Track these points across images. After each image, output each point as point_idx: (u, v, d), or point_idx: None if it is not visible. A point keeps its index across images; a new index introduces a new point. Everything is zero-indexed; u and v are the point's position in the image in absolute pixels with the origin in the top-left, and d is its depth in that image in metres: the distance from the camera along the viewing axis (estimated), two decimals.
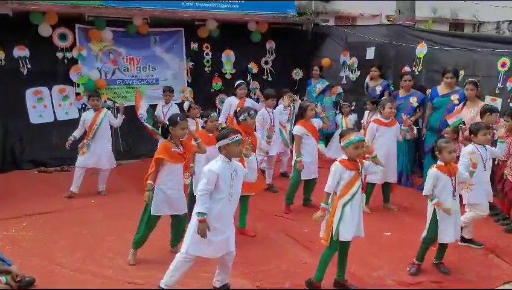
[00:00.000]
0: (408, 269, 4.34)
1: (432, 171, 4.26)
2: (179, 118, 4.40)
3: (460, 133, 6.18)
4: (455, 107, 6.41)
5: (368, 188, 5.98)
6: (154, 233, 4.56)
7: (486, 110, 5.56)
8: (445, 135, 5.77)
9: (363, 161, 4.04)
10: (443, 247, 4.38)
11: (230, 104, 7.43)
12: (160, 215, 4.48)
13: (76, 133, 6.51)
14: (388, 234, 5.35)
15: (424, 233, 4.36)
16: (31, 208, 5.94)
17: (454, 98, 6.51)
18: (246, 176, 3.93)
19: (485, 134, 4.81)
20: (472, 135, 4.92)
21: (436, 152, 4.31)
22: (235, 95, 7.49)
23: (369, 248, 4.92)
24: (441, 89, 6.73)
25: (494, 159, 5.63)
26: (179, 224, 4.58)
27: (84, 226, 5.45)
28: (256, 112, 5.46)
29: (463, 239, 4.94)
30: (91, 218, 5.65)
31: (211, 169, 3.63)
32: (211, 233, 3.60)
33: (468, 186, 4.71)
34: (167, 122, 4.47)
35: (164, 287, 3.73)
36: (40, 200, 6.30)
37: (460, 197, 4.61)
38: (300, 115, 6.01)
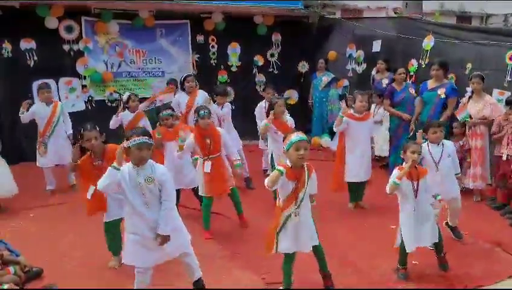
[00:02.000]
0: (396, 275, 4.18)
1: (394, 173, 4.07)
2: (82, 129, 4.07)
3: (467, 127, 6.17)
4: (461, 102, 6.39)
5: (349, 186, 5.87)
6: None
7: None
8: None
9: (312, 168, 3.64)
10: (437, 245, 4.25)
11: (178, 102, 6.81)
12: (119, 221, 4.18)
13: (24, 120, 6.18)
14: (393, 227, 5.34)
15: (398, 241, 4.15)
16: (38, 200, 6.00)
17: (441, 91, 6.38)
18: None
19: (435, 132, 4.61)
20: (424, 133, 4.73)
21: (402, 152, 4.12)
22: (184, 90, 6.87)
23: (373, 241, 4.94)
24: (430, 83, 6.58)
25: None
26: None
27: (91, 218, 5.48)
28: (209, 110, 5.01)
29: (447, 225, 4.94)
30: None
31: (113, 172, 3.34)
32: (141, 243, 3.42)
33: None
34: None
35: None
36: (46, 193, 6.35)
37: None
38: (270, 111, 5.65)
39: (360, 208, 5.94)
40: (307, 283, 4.03)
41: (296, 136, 3.50)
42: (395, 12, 9.77)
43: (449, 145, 4.74)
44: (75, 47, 8.02)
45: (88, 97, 8.19)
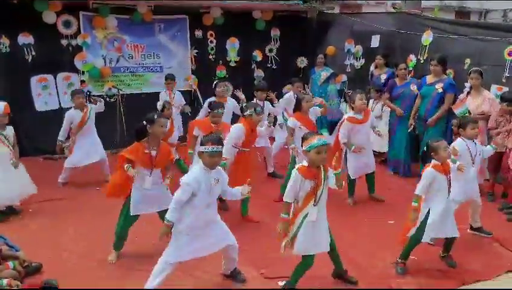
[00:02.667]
0: (395, 269, 4.22)
1: (428, 171, 4.11)
2: (155, 116, 4.19)
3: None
4: (459, 97, 6.41)
5: (349, 182, 5.91)
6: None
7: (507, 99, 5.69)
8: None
9: (328, 167, 3.73)
10: (449, 241, 4.31)
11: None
12: (138, 215, 4.36)
13: (62, 136, 6.45)
14: (392, 222, 5.37)
15: (412, 231, 4.16)
16: (37, 195, 5.98)
17: (439, 86, 6.44)
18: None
19: (474, 128, 4.67)
20: (460, 129, 4.80)
21: (432, 153, 4.13)
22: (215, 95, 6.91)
23: (372, 237, 4.97)
24: (429, 78, 6.65)
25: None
26: None
27: (90, 214, 5.50)
28: (262, 108, 5.29)
29: (472, 228, 4.96)
30: (97, 206, 5.67)
31: (186, 181, 3.54)
32: (191, 238, 3.62)
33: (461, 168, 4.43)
34: (144, 121, 4.21)
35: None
36: (46, 188, 6.33)
37: None
38: (297, 107, 5.79)
39: (376, 200, 6.06)
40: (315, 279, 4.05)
41: (319, 140, 3.60)
42: (394, 8, 9.75)
43: (478, 143, 4.81)
44: (73, 42, 7.97)
45: (86, 92, 8.15)
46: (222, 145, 3.71)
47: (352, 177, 5.89)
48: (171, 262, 3.68)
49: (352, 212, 5.69)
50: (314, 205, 3.62)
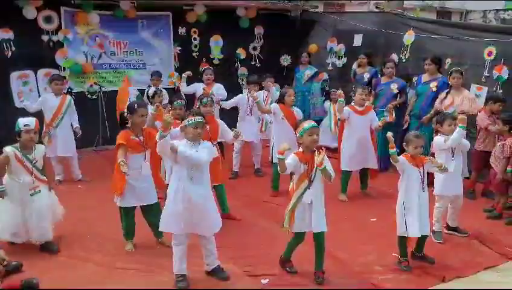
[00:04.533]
0: (399, 268, 4.24)
1: (400, 158, 4.19)
2: (136, 105, 4.29)
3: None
4: (439, 95, 6.50)
5: (342, 176, 6.01)
6: (142, 220, 4.57)
7: (491, 98, 5.82)
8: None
9: (323, 150, 3.87)
10: (420, 240, 4.33)
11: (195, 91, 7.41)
12: (133, 209, 4.45)
13: (33, 109, 6.30)
14: (374, 219, 5.43)
15: (400, 230, 4.22)
16: None
17: (433, 85, 6.65)
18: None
19: (451, 124, 4.74)
20: (438, 125, 4.89)
21: (404, 143, 4.25)
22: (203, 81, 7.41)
23: (355, 234, 5.02)
24: (425, 77, 6.89)
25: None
26: (153, 214, 4.44)
27: (72, 211, 5.41)
28: (211, 98, 5.35)
29: (448, 227, 5.02)
30: (79, 203, 5.62)
31: (180, 144, 3.70)
32: (176, 210, 3.72)
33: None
34: (125, 110, 4.33)
35: (175, 274, 3.87)
36: None
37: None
38: (280, 100, 6.01)
39: (367, 196, 6.20)
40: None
41: (309, 123, 3.93)
42: (377, 7, 9.84)
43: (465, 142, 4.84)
44: (55, 38, 7.86)
45: (68, 89, 8.05)
46: (203, 116, 3.85)
47: (343, 169, 5.97)
48: (168, 231, 3.88)
49: (333, 210, 5.70)
50: (308, 187, 3.83)
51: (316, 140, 3.87)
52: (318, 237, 3.96)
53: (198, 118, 3.75)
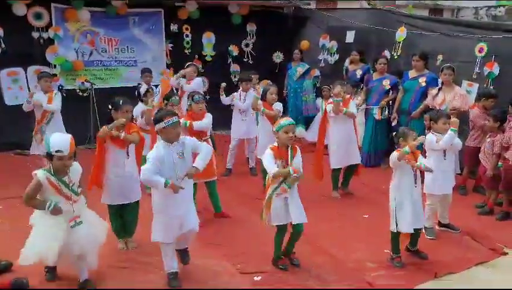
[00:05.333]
0: (393, 264, 4.25)
1: (393, 154, 4.17)
2: (121, 101, 4.25)
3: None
4: (430, 91, 6.53)
5: (332, 174, 6.02)
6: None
7: (484, 95, 5.83)
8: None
9: (297, 148, 4.03)
10: (414, 235, 4.33)
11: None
12: (119, 207, 4.40)
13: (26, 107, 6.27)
14: (366, 216, 5.44)
15: (392, 226, 4.23)
16: (8, 191, 5.85)
17: (422, 80, 6.71)
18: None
19: (445, 123, 4.73)
20: (432, 122, 4.87)
21: (400, 139, 4.20)
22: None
23: (348, 230, 5.02)
24: (411, 73, 6.92)
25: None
26: (134, 212, 4.47)
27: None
28: (203, 95, 5.33)
29: (440, 224, 5.03)
30: None
31: (151, 156, 3.63)
32: (168, 220, 3.72)
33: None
34: (110, 106, 4.31)
35: (167, 273, 3.87)
36: (17, 183, 6.18)
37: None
38: (262, 98, 6.00)
39: (346, 194, 6.13)
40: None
41: (286, 120, 3.97)
42: (369, 4, 9.84)
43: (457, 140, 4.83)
44: (45, 35, 7.80)
45: (59, 86, 7.99)
46: (177, 115, 3.81)
47: (333, 167, 5.96)
48: (158, 240, 3.81)
49: (326, 206, 5.72)
50: (284, 182, 3.89)
51: (291, 138, 3.92)
52: (298, 228, 4.03)
53: (176, 118, 3.71)
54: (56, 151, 3.43)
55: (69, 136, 3.56)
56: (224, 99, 7.00)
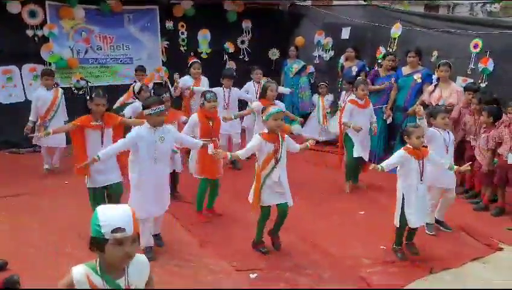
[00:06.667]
0: (395, 255, 4.33)
1: (400, 152, 4.24)
2: (94, 94, 4.61)
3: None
4: (427, 88, 6.53)
5: (349, 165, 6.09)
6: None
7: (466, 89, 5.96)
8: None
9: (285, 135, 4.25)
10: (412, 230, 4.38)
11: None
12: (103, 190, 4.65)
13: (33, 117, 6.50)
14: (362, 213, 5.45)
15: (396, 220, 4.30)
16: (2, 190, 5.83)
17: (417, 77, 6.73)
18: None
19: (444, 118, 4.77)
20: (431, 118, 4.87)
21: (405, 136, 4.28)
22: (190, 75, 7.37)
23: (343, 227, 5.03)
24: (405, 69, 6.93)
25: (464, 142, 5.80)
26: (116, 193, 4.68)
27: (57, 208, 5.38)
28: (213, 95, 5.26)
29: (435, 219, 5.04)
30: (65, 200, 5.57)
31: (129, 134, 4.13)
32: (144, 195, 4.09)
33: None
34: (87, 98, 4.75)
35: (142, 248, 4.11)
36: (12, 182, 6.19)
37: None
38: (262, 95, 6.06)
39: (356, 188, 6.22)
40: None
41: (274, 108, 4.19)
42: (365, 0, 9.83)
43: (451, 133, 4.90)
44: (39, 32, 7.76)
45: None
46: (163, 103, 4.17)
47: (356, 156, 5.98)
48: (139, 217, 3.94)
49: (322, 204, 5.73)
50: (275, 166, 4.10)
51: (280, 125, 4.14)
52: (283, 207, 4.23)
53: (162, 107, 4.07)
54: (113, 231, 2.02)
55: (127, 207, 2.14)
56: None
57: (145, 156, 4.05)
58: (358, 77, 7.58)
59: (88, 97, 4.75)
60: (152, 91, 6.43)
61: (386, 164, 4.26)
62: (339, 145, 6.36)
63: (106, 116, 4.63)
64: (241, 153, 4.20)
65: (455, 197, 4.98)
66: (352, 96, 6.13)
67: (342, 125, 6.08)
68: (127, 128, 4.69)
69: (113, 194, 4.68)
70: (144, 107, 4.12)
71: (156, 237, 4.41)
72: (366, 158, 6.19)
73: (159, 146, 4.08)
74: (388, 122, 7.07)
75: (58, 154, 6.77)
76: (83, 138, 4.55)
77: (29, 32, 7.70)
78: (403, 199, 4.24)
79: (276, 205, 4.23)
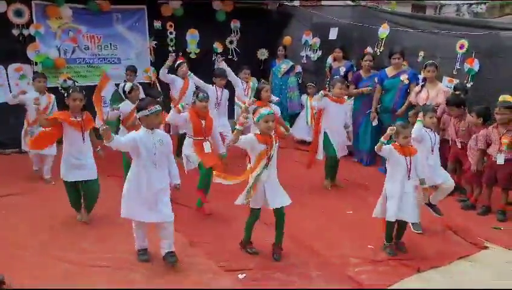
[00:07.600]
0: (385, 252, 4.40)
1: (389, 146, 4.32)
2: (71, 90, 4.72)
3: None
4: (413, 88, 6.58)
5: (329, 162, 6.15)
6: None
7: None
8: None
9: (277, 137, 4.26)
10: (399, 228, 4.47)
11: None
12: (78, 184, 4.78)
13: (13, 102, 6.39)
14: (350, 212, 5.47)
15: (376, 210, 4.47)
16: None
17: (404, 78, 6.75)
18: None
19: (431, 117, 4.86)
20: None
21: (393, 136, 4.32)
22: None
23: (332, 226, 5.05)
24: (390, 71, 6.93)
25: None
26: (90, 191, 4.82)
27: (44, 209, 5.33)
28: (207, 94, 5.29)
29: (428, 202, 5.01)
30: (51, 200, 5.51)
31: (132, 135, 3.97)
32: (140, 197, 3.96)
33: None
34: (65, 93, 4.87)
35: (136, 249, 4.20)
36: (8, 182, 6.12)
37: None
38: (257, 97, 6.01)
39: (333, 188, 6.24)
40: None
41: (265, 110, 4.15)
42: (353, 1, 9.87)
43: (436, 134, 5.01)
44: (26, 32, 7.67)
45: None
46: (158, 103, 4.06)
47: (331, 155, 6.05)
48: (124, 216, 4.08)
49: (310, 203, 5.74)
50: (265, 167, 4.07)
51: (271, 127, 4.10)
52: (277, 212, 4.21)
53: (158, 107, 3.97)
54: None
55: None
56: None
57: (146, 160, 3.91)
58: (336, 76, 7.66)
59: (65, 94, 4.83)
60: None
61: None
62: (312, 143, 6.33)
63: (86, 115, 4.78)
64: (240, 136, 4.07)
65: (453, 184, 5.09)
66: (329, 93, 6.15)
67: (318, 126, 6.12)
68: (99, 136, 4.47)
69: (86, 190, 4.78)
70: (139, 109, 3.97)
71: (170, 254, 4.07)
72: (343, 153, 6.26)
73: (158, 149, 3.96)
74: (374, 124, 7.09)
75: (50, 164, 6.26)
76: (61, 130, 4.69)
77: (15, 32, 7.61)
78: (386, 191, 4.36)
79: (273, 209, 4.19)
